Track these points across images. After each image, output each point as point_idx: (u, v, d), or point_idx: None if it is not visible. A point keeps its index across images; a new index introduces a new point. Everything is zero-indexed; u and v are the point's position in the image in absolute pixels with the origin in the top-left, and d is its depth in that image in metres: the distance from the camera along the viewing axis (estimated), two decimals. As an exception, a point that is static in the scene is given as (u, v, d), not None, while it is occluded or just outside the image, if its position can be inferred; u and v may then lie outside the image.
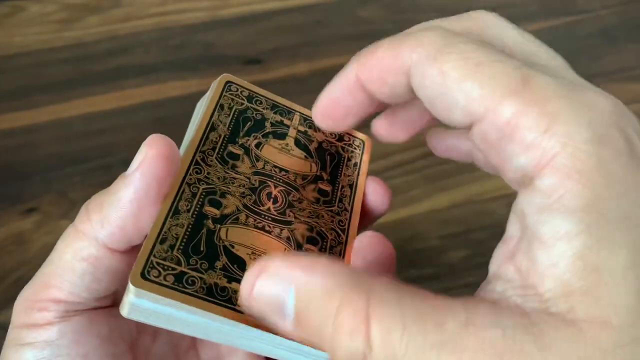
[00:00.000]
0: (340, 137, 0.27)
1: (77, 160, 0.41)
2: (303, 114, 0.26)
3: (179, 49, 0.48)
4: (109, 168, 0.41)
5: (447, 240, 0.42)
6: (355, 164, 0.26)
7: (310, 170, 0.25)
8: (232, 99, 0.25)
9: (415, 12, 0.52)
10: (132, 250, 0.21)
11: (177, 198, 0.21)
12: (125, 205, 0.20)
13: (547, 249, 0.15)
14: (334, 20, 0.51)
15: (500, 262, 0.17)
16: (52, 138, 0.43)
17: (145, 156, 0.20)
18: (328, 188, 0.25)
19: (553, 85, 0.17)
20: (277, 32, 0.50)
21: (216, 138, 0.23)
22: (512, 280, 0.16)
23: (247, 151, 0.24)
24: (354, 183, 0.26)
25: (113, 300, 0.23)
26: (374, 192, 0.25)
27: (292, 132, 0.25)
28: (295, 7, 0.51)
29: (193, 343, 0.25)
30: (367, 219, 0.25)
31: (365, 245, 0.23)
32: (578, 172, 0.15)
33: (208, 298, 0.19)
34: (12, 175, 0.41)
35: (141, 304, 0.19)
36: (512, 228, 0.17)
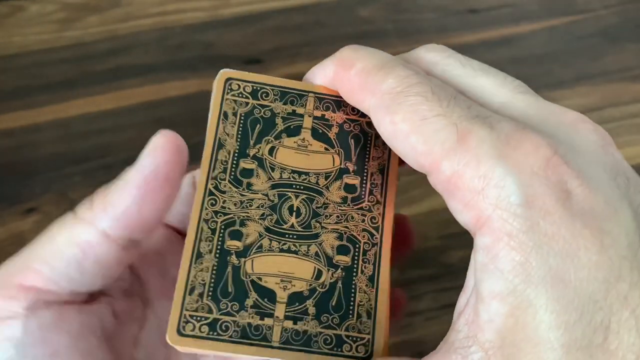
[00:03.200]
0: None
1: (77, 160, 0.41)
2: (318, 93, 0.24)
3: (179, 49, 0.48)
4: (109, 168, 0.41)
5: (447, 240, 0.42)
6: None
7: (333, 165, 0.23)
8: (235, 101, 0.23)
9: (415, 12, 0.52)
10: (128, 250, 0.21)
11: (197, 239, 0.21)
12: (131, 189, 0.20)
13: (485, 306, 0.17)
14: (334, 20, 0.51)
15: (457, 312, 0.19)
16: (52, 138, 0.42)
17: (155, 144, 0.20)
18: (355, 181, 0.23)
19: (487, 142, 0.17)
20: (277, 32, 0.50)
21: (225, 157, 0.22)
22: (461, 331, 0.18)
23: (260, 162, 0.22)
24: (386, 166, 0.23)
25: (88, 297, 0.22)
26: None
27: (307, 123, 0.23)
28: (295, 7, 0.51)
29: None
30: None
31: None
32: (508, 234, 0.17)
33: (243, 341, 0.20)
34: (12, 175, 0.41)
35: (187, 350, 0.20)
36: (469, 279, 0.19)
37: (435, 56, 0.21)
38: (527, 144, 0.17)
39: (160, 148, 0.20)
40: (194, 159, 0.23)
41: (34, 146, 0.42)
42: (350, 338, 0.21)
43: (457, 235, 0.42)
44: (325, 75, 0.23)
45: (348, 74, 0.21)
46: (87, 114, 0.44)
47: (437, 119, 0.18)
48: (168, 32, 0.49)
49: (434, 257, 0.41)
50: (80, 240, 0.20)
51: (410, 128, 0.18)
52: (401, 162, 0.23)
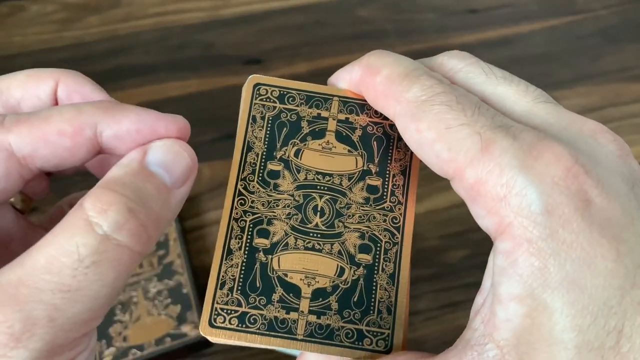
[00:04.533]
0: None
1: (77, 160, 0.41)
2: (342, 97, 0.24)
3: (179, 49, 0.48)
4: (109, 168, 0.41)
5: (447, 240, 0.42)
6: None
7: (356, 166, 0.23)
8: (263, 105, 0.24)
9: (415, 12, 0.52)
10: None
11: (228, 237, 0.22)
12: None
13: (503, 307, 0.18)
14: (334, 20, 0.51)
15: (474, 312, 0.19)
16: (52, 138, 0.43)
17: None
18: (377, 182, 0.23)
19: (510, 152, 0.18)
20: (277, 32, 0.50)
21: (254, 159, 0.23)
22: (477, 329, 0.18)
23: (286, 164, 0.23)
24: (407, 167, 0.24)
25: None
26: None
27: (331, 126, 0.24)
28: (295, 7, 0.52)
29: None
30: None
31: None
32: (528, 241, 0.17)
33: (270, 333, 0.21)
34: (12, 175, 0.41)
35: (217, 341, 0.21)
36: (486, 280, 0.20)
37: (458, 63, 0.22)
38: (549, 154, 0.18)
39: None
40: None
41: (34, 146, 0.42)
42: (371, 333, 0.22)
43: (456, 235, 0.42)
44: (351, 79, 0.23)
45: (374, 81, 0.21)
46: (87, 114, 0.44)
47: (462, 128, 0.19)
48: (168, 32, 0.49)
49: (434, 257, 0.41)
50: None
51: (436, 136, 0.19)
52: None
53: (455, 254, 0.41)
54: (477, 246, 0.41)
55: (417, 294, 0.40)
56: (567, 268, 0.17)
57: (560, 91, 0.48)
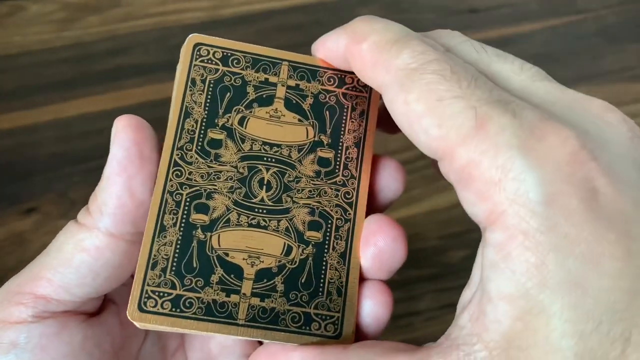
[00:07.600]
0: (341, 81, 0.22)
1: (77, 160, 0.41)
2: (292, 61, 0.23)
3: (179, 49, 0.48)
4: (108, 168, 0.41)
5: (447, 240, 0.42)
6: (362, 113, 0.22)
7: (307, 137, 0.22)
8: (204, 67, 0.22)
9: (416, 12, 0.52)
10: (136, 243, 0.20)
11: (161, 212, 0.20)
12: (115, 180, 0.20)
13: (492, 306, 0.16)
14: (334, 20, 0.51)
15: (461, 307, 0.18)
16: (52, 138, 0.42)
17: (116, 129, 0.21)
18: (329, 154, 0.22)
19: (509, 130, 0.16)
20: (277, 32, 0.50)
21: (192, 126, 0.21)
22: (465, 327, 0.17)
23: (230, 133, 0.21)
24: (361, 139, 0.22)
25: (97, 309, 0.22)
26: (384, 170, 0.22)
27: (280, 92, 0.22)
28: (295, 7, 0.51)
29: (182, 343, 0.24)
30: (377, 203, 0.22)
31: (375, 231, 0.21)
32: (524, 233, 0.15)
33: (207, 318, 0.19)
34: (12, 175, 0.41)
35: (147, 327, 0.19)
36: (475, 273, 0.18)
37: (449, 41, 0.20)
38: (553, 136, 0.16)
39: (122, 131, 0.21)
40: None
41: (34, 146, 0.42)
42: (319, 316, 0.20)
43: (457, 235, 0.42)
44: (336, 48, 0.21)
45: (360, 48, 0.19)
46: (87, 114, 0.44)
47: (455, 101, 0.17)
48: (168, 32, 0.49)
49: (434, 257, 0.41)
50: (87, 245, 0.20)
51: (425, 109, 0.17)
52: (390, 130, 0.22)
53: (455, 254, 0.41)
54: (477, 246, 0.41)
55: (417, 294, 0.40)
56: (568, 265, 0.15)
57: (560, 91, 0.48)
